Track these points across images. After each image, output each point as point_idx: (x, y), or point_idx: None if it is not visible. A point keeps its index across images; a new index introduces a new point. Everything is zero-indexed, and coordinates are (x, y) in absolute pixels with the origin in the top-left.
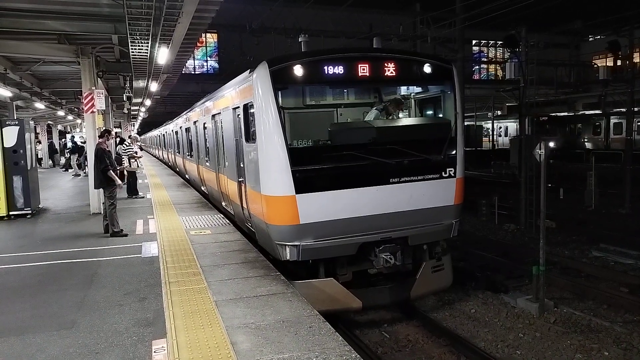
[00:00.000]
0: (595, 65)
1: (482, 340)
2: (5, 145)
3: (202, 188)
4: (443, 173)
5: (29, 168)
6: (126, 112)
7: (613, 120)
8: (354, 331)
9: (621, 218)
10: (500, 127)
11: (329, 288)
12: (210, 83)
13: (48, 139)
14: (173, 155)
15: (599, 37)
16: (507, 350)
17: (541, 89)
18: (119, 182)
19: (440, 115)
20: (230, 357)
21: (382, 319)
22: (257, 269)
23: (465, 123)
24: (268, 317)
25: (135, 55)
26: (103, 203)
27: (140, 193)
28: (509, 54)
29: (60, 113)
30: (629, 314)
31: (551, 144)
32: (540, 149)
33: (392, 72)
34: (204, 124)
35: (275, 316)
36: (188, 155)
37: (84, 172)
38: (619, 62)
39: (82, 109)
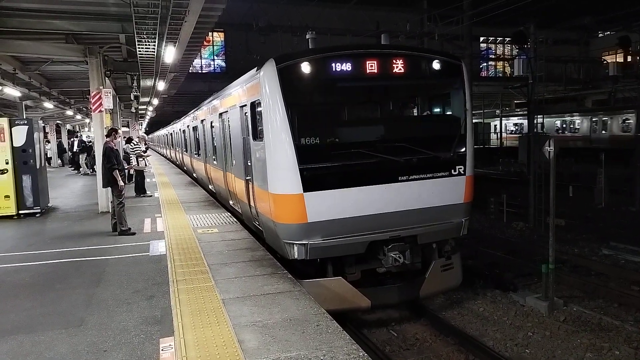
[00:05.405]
0: (605, 62)
1: (490, 339)
2: (14, 145)
3: (210, 187)
4: (452, 171)
5: (38, 167)
6: (134, 111)
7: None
8: (362, 330)
9: (631, 216)
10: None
11: (337, 287)
12: (217, 82)
13: (57, 138)
14: (181, 154)
15: (608, 32)
16: (516, 349)
17: (550, 86)
18: (122, 183)
19: (450, 112)
20: (237, 356)
21: (390, 317)
22: (265, 267)
23: (474, 120)
24: (275, 316)
25: (142, 54)
26: (111, 202)
27: (148, 192)
28: (517, 50)
29: (69, 112)
30: None
31: None
32: (549, 146)
33: (400, 69)
34: (211, 122)
35: (283, 314)
36: (195, 154)
37: (91, 171)
38: (629, 58)
39: (90, 108)
